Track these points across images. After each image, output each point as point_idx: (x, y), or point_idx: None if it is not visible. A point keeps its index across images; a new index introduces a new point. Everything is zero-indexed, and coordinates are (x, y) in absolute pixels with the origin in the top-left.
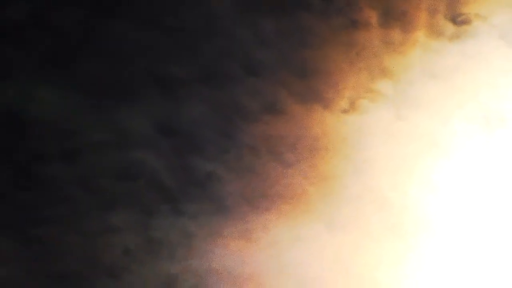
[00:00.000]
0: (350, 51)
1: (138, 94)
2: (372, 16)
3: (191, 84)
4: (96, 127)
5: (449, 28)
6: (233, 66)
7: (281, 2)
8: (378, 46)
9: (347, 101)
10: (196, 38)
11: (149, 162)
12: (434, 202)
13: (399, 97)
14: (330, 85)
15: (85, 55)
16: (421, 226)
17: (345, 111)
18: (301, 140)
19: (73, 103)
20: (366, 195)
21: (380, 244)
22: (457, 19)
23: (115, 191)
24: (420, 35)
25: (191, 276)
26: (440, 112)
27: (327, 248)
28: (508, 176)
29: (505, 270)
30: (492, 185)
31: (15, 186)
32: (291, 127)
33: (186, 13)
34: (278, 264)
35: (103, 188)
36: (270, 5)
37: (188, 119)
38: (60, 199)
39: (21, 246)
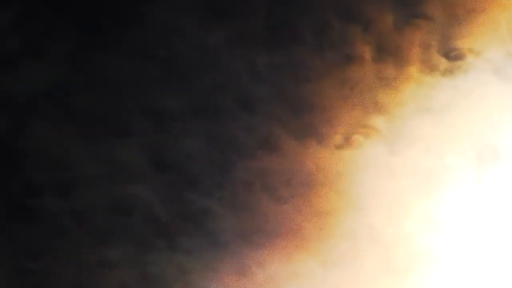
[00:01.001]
0: (344, 86)
1: (132, 127)
2: (366, 51)
3: (185, 117)
4: (90, 160)
5: (443, 63)
6: (227, 100)
7: (274, 36)
8: (372, 81)
9: (341, 137)
10: (190, 71)
11: (144, 196)
12: (430, 237)
13: (393, 133)
14: (324, 120)
15: (79, 88)
16: (417, 261)
17: (339, 147)
18: (295, 175)
19: (67, 136)
20: (362, 231)
21: (375, 280)
22: (451, 54)
23: (110, 225)
24: (413, 70)
25: None
26: (434, 147)
27: (322, 285)
28: (502, 211)
29: None
30: (486, 220)
31: (9, 219)
32: (286, 162)
33: (179, 45)
34: None
35: (97, 221)
36: (264, 39)
37: (182, 153)
38: (54, 232)
39: (15, 279)
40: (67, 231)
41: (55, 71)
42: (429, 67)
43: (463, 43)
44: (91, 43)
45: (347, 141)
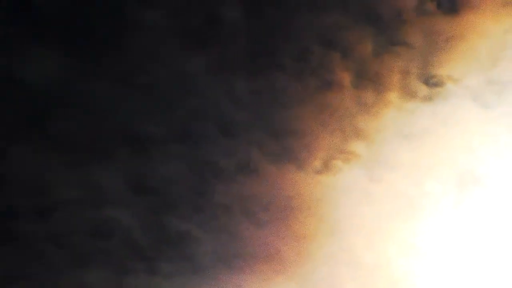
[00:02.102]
0: (324, 111)
1: (112, 152)
2: (346, 77)
3: (165, 142)
4: (69, 185)
5: (422, 89)
6: (207, 125)
7: (255, 62)
8: (351, 107)
9: (320, 162)
10: (170, 97)
11: (123, 220)
12: (409, 262)
13: (372, 158)
14: (303, 145)
15: (60, 113)
16: (396, 286)
17: (318, 172)
18: (275, 200)
19: (46, 161)
20: (341, 255)
21: None
22: (430, 81)
23: (89, 249)
24: (393, 96)
25: None
26: (413, 173)
27: None
28: (481, 235)
29: None
30: (466, 245)
31: None
32: (265, 187)
33: (160, 72)
34: None
35: (77, 245)
36: (244, 65)
37: (162, 177)
38: (33, 256)
39: None
40: (47, 255)
41: (36, 98)
42: (409, 94)
43: (442, 70)
44: (72, 70)
45: (326, 166)
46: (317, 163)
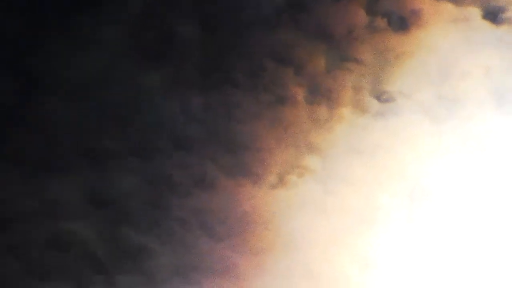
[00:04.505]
0: (278, 127)
1: (68, 166)
2: (299, 93)
3: (121, 156)
4: (26, 198)
5: (374, 105)
6: (162, 140)
7: (209, 77)
8: (305, 122)
9: (275, 176)
10: (125, 112)
11: (80, 232)
12: (363, 275)
13: (326, 173)
14: (258, 160)
15: (16, 128)
16: None
17: (273, 186)
18: (231, 214)
19: (3, 173)
20: (297, 269)
21: None
22: (382, 97)
23: (46, 261)
24: (345, 111)
25: None
26: (366, 186)
27: None
28: (431, 249)
29: None
30: (418, 258)
31: None
32: (221, 201)
33: (115, 87)
34: None
35: (34, 258)
36: (198, 81)
37: (118, 190)
38: None
39: None
40: (3, 267)
41: None
42: (361, 109)
43: (393, 86)
44: (27, 85)
45: (281, 181)
46: (272, 178)
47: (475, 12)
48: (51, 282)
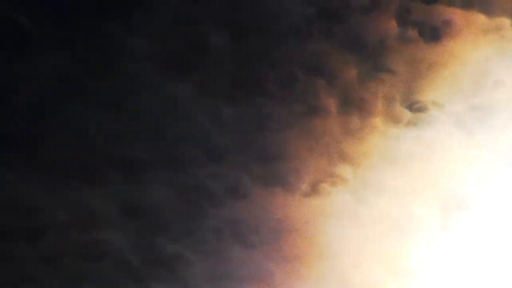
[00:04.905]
0: (310, 137)
1: (103, 176)
2: (331, 103)
3: (154, 167)
4: (60, 208)
5: (406, 115)
6: (195, 150)
7: (240, 87)
8: (337, 132)
9: (308, 185)
10: (158, 122)
11: (115, 242)
12: (396, 283)
13: (359, 182)
14: (291, 169)
15: (50, 137)
16: None
17: (306, 195)
18: (264, 222)
19: (38, 185)
20: (330, 276)
21: None
22: (414, 107)
23: (80, 271)
24: (378, 121)
25: None
26: (399, 196)
27: None
28: (466, 258)
29: None
30: (452, 267)
31: None
32: (254, 210)
33: (148, 97)
34: None
35: (68, 268)
36: (230, 91)
37: (152, 201)
38: (25, 278)
39: None
40: (38, 278)
41: (24, 122)
42: (393, 119)
43: (425, 96)
44: (60, 95)
45: (314, 190)
46: (305, 187)
47: (506, 23)
48: None
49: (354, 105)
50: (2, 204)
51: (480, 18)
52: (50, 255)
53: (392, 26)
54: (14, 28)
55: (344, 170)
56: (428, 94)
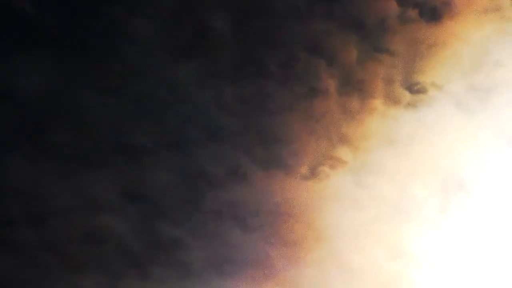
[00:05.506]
0: (310, 118)
1: (104, 161)
2: (331, 84)
3: (156, 150)
4: (63, 193)
5: (406, 96)
6: (196, 132)
7: (241, 69)
8: (337, 114)
9: (307, 168)
10: (159, 106)
11: (116, 227)
12: (396, 265)
13: (358, 164)
14: (291, 152)
15: (52, 124)
16: None
17: (306, 178)
18: (263, 205)
19: (40, 170)
20: (329, 259)
21: None
22: (413, 88)
23: (83, 255)
24: (377, 103)
25: None
26: (398, 178)
27: None
28: (465, 239)
29: None
30: (451, 248)
31: None
32: (254, 193)
33: (149, 81)
34: None
35: (71, 252)
36: (231, 72)
37: (153, 185)
38: (29, 263)
39: None
40: (42, 262)
41: (28, 108)
42: (393, 100)
43: (425, 77)
44: (64, 81)
45: (313, 172)
46: (305, 169)
47: (506, 2)
48: (88, 275)
49: (354, 86)
50: (6, 192)
51: None
52: (53, 240)
53: (392, 6)
54: (17, 14)
55: (344, 152)
56: (428, 75)
